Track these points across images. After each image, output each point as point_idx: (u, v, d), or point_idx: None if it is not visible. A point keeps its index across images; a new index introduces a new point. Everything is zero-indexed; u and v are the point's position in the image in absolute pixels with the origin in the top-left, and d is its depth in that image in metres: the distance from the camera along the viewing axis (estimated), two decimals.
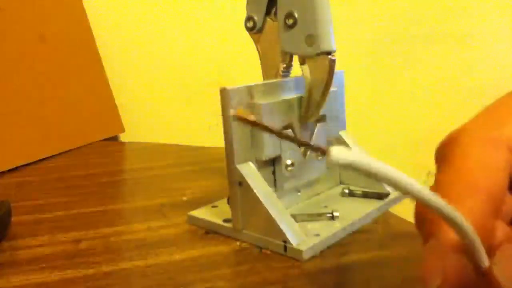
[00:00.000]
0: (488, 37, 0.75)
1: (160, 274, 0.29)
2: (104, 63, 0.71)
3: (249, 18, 0.37)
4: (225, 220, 0.34)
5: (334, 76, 0.33)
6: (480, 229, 0.15)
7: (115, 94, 0.71)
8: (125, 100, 0.73)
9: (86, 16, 0.70)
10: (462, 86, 0.76)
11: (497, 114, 0.17)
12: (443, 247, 0.15)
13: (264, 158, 0.33)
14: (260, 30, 0.37)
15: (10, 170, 0.53)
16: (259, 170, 0.33)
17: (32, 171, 0.54)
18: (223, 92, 0.31)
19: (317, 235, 0.31)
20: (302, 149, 0.36)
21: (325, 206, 0.36)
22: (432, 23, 0.75)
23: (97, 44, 0.71)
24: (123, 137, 0.72)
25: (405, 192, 0.13)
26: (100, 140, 0.67)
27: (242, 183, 0.32)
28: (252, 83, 0.32)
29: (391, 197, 0.37)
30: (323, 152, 0.12)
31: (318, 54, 0.32)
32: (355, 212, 0.34)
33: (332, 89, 0.34)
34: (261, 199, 0.31)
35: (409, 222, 0.34)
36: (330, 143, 0.39)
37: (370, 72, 0.76)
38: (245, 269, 0.29)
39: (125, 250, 0.33)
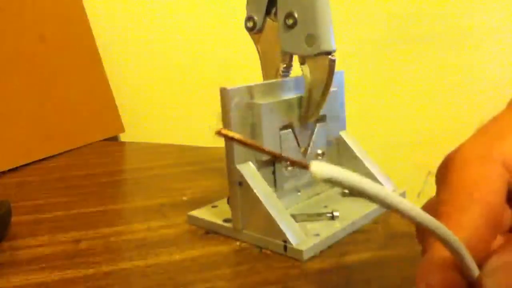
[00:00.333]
0: (489, 37, 0.75)
1: (160, 274, 0.29)
2: (104, 63, 0.71)
3: (249, 18, 0.37)
4: (225, 220, 0.34)
5: (334, 76, 0.33)
6: (476, 242, 0.15)
7: (115, 94, 0.71)
8: (125, 100, 0.73)
9: (86, 16, 0.70)
10: (462, 86, 0.76)
11: (491, 132, 0.18)
12: (433, 262, 0.16)
13: (264, 158, 0.33)
14: (260, 30, 0.37)
15: (10, 170, 0.53)
16: (259, 170, 0.33)
17: (32, 171, 0.54)
18: (223, 92, 0.31)
19: (317, 235, 0.31)
20: (302, 148, 0.36)
21: (325, 206, 0.36)
22: (432, 23, 0.75)
23: (97, 44, 0.71)
24: (123, 137, 0.72)
25: (385, 205, 0.13)
26: (100, 140, 0.67)
27: (242, 183, 0.32)
28: (252, 83, 0.32)
29: None
30: (304, 167, 0.12)
31: (318, 54, 0.32)
32: (355, 212, 0.34)
33: (332, 89, 0.34)
34: (261, 199, 0.31)
35: (409, 223, 0.34)
36: (330, 143, 0.39)
37: (370, 72, 0.76)
38: (245, 269, 0.29)
39: (125, 250, 0.33)
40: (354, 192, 0.12)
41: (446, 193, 0.17)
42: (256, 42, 0.37)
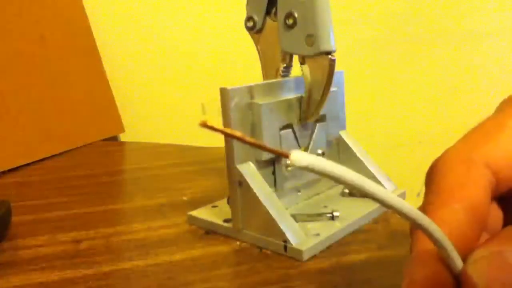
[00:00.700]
0: (489, 37, 0.75)
1: (160, 274, 0.29)
2: (104, 63, 0.71)
3: (249, 18, 0.37)
4: (225, 220, 0.34)
5: (334, 76, 0.33)
6: (459, 238, 0.16)
7: (115, 94, 0.71)
8: (125, 100, 0.73)
9: (86, 16, 0.70)
10: (462, 86, 0.76)
11: (474, 137, 0.18)
12: (417, 257, 0.16)
13: (264, 158, 0.33)
14: (260, 30, 0.37)
15: (10, 170, 0.53)
16: (259, 170, 0.33)
17: (32, 171, 0.54)
18: (223, 92, 0.31)
19: (317, 235, 0.31)
20: (302, 148, 0.36)
21: (325, 206, 0.36)
22: (432, 23, 0.75)
23: (97, 44, 0.71)
24: (123, 137, 0.72)
25: (364, 192, 0.13)
26: (100, 140, 0.67)
27: (242, 183, 0.32)
28: (252, 83, 0.32)
29: None
30: (285, 156, 0.13)
31: (318, 54, 0.32)
32: (355, 212, 0.35)
33: (332, 89, 0.34)
34: (261, 199, 0.31)
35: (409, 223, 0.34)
36: (330, 143, 0.39)
37: (370, 72, 0.76)
38: (245, 269, 0.29)
39: (125, 250, 0.33)
40: (333, 180, 0.13)
41: (431, 196, 0.17)
42: (256, 42, 0.37)
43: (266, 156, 0.33)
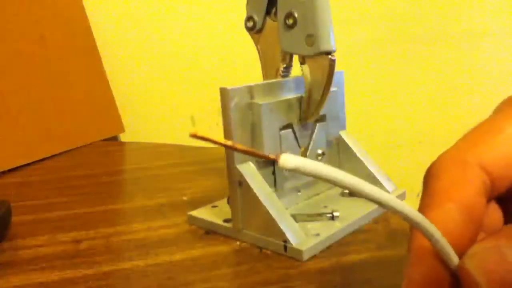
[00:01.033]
0: (489, 36, 0.75)
1: (160, 274, 0.29)
2: (104, 63, 0.71)
3: (249, 18, 0.37)
4: (225, 220, 0.34)
5: (334, 76, 0.33)
6: (454, 238, 0.16)
7: (115, 94, 0.71)
8: (125, 100, 0.73)
9: (86, 16, 0.70)
10: (462, 86, 0.76)
11: (469, 139, 0.19)
12: (413, 255, 0.16)
13: (264, 158, 0.33)
14: (260, 30, 0.37)
15: (10, 170, 0.53)
16: (259, 170, 0.33)
17: (32, 171, 0.54)
18: (223, 92, 0.31)
19: (317, 235, 0.31)
20: (302, 148, 0.36)
21: (325, 206, 0.36)
22: (432, 23, 0.75)
23: (97, 44, 0.71)
24: (123, 137, 0.72)
25: (355, 191, 0.14)
26: (100, 140, 0.67)
27: (242, 183, 0.32)
28: (252, 83, 0.32)
29: None
30: (273, 160, 0.13)
31: (318, 54, 0.32)
32: (355, 212, 0.35)
33: (332, 89, 0.34)
34: (261, 199, 0.31)
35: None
36: (330, 143, 0.39)
37: (370, 72, 0.76)
38: (245, 269, 0.29)
39: (125, 250, 0.33)
40: (322, 180, 0.13)
41: (426, 198, 0.18)
42: (256, 42, 0.37)
43: None
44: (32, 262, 0.31)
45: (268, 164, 0.34)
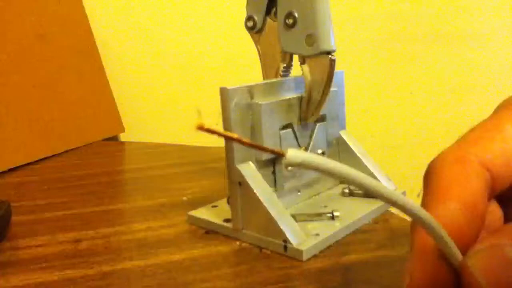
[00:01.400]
0: (489, 37, 0.75)
1: (160, 274, 0.29)
2: (104, 63, 0.71)
3: (249, 18, 0.37)
4: (225, 220, 0.34)
5: (334, 76, 0.33)
6: (457, 235, 0.16)
7: (115, 94, 0.71)
8: (125, 100, 0.73)
9: (86, 16, 0.70)
10: (462, 86, 0.76)
11: (469, 138, 0.19)
12: (415, 253, 0.16)
13: (264, 158, 0.33)
14: (260, 30, 0.37)
15: (10, 170, 0.53)
16: (259, 170, 0.33)
17: (32, 171, 0.54)
18: (223, 92, 0.31)
19: (317, 235, 0.31)
20: (302, 148, 0.36)
21: (325, 206, 0.36)
22: (432, 22, 0.75)
23: (97, 44, 0.71)
24: (123, 137, 0.72)
25: (359, 185, 0.14)
26: (100, 140, 0.67)
27: (242, 183, 0.32)
28: (252, 83, 0.32)
29: None
30: (281, 155, 0.13)
31: (318, 54, 0.32)
32: (355, 212, 0.34)
33: (332, 89, 0.34)
34: (261, 199, 0.31)
35: (409, 222, 0.34)
36: (330, 143, 0.39)
37: (370, 72, 0.76)
38: (245, 269, 0.29)
39: (125, 250, 0.33)
40: (328, 175, 0.14)
41: (428, 196, 0.18)
42: (256, 42, 0.37)
43: (266, 156, 0.33)
44: (32, 262, 0.31)
45: (268, 164, 0.34)
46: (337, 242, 0.32)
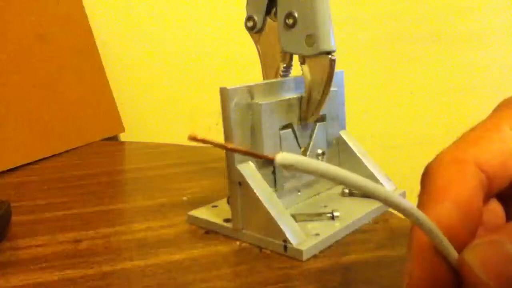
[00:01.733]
0: (489, 37, 0.75)
1: (160, 274, 0.29)
2: (104, 63, 0.71)
3: (249, 18, 0.37)
4: (225, 220, 0.34)
5: (334, 76, 0.33)
6: (451, 234, 0.16)
7: (115, 94, 0.71)
8: (125, 100, 0.73)
9: (86, 16, 0.70)
10: (462, 86, 0.76)
11: (466, 139, 0.19)
12: (414, 251, 0.17)
13: None
14: (260, 30, 0.37)
15: (10, 170, 0.53)
16: (259, 170, 0.33)
17: (32, 171, 0.54)
18: (223, 92, 0.31)
19: (317, 235, 0.31)
20: (302, 148, 0.36)
21: (325, 206, 0.36)
22: (432, 23, 0.75)
23: (97, 44, 0.71)
24: (123, 137, 0.72)
25: (353, 187, 0.14)
26: (100, 140, 0.67)
27: (242, 183, 0.32)
28: (252, 83, 0.32)
29: None
30: (271, 160, 0.14)
31: (318, 54, 0.32)
32: (355, 212, 0.34)
33: (332, 89, 0.34)
34: (261, 199, 0.31)
35: (409, 222, 0.34)
36: (330, 143, 0.39)
37: (370, 72, 0.76)
38: (245, 269, 0.29)
39: (125, 250, 0.33)
40: (316, 176, 0.14)
41: (423, 196, 0.18)
42: (256, 42, 0.37)
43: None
44: (32, 262, 0.31)
45: (268, 164, 0.34)
46: (337, 242, 0.32)
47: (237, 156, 0.32)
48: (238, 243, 0.33)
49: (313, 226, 0.33)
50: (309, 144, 0.37)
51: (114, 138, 0.71)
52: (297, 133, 0.35)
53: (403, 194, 0.39)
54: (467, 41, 0.75)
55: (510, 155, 0.18)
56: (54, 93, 0.63)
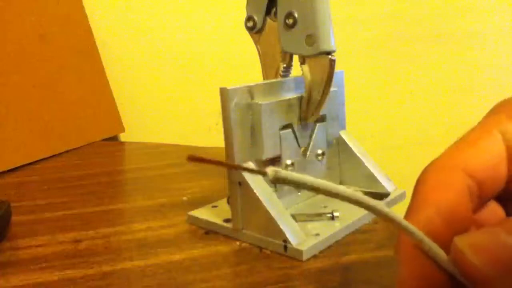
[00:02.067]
0: (489, 37, 0.75)
1: (160, 274, 0.29)
2: (104, 63, 0.71)
3: (249, 18, 0.37)
4: (225, 220, 0.34)
5: (334, 76, 0.33)
6: (435, 238, 0.17)
7: (115, 94, 0.71)
8: (125, 100, 0.73)
9: (86, 16, 0.70)
10: (462, 86, 0.76)
11: (460, 143, 0.19)
12: (402, 255, 0.17)
13: (264, 158, 0.33)
14: (260, 30, 0.37)
15: (10, 170, 0.53)
16: None
17: (32, 171, 0.54)
18: (223, 92, 0.31)
19: (317, 235, 0.31)
20: (302, 148, 0.36)
21: (325, 206, 0.36)
22: (432, 22, 0.75)
23: (97, 44, 0.71)
24: (123, 137, 0.72)
25: (334, 196, 0.15)
26: (100, 140, 0.67)
27: (242, 183, 0.32)
28: (252, 83, 0.32)
29: (391, 197, 0.37)
30: (263, 174, 0.14)
31: (318, 54, 0.32)
32: (355, 212, 0.34)
33: (332, 89, 0.34)
34: (261, 199, 0.31)
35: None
36: (330, 143, 0.39)
37: (370, 72, 0.76)
38: (245, 269, 0.29)
39: (125, 250, 0.33)
40: (308, 189, 0.15)
41: (411, 202, 0.18)
42: (256, 42, 0.37)
43: (266, 156, 0.33)
44: (32, 262, 0.31)
45: (268, 164, 0.34)
46: (337, 242, 0.32)
47: (237, 156, 0.32)
48: (238, 243, 0.33)
49: (313, 226, 0.33)
50: (309, 144, 0.37)
51: (114, 138, 0.71)
52: (297, 133, 0.35)
53: (403, 194, 0.39)
54: (467, 41, 0.75)
55: (500, 159, 0.19)
56: (54, 93, 0.63)
